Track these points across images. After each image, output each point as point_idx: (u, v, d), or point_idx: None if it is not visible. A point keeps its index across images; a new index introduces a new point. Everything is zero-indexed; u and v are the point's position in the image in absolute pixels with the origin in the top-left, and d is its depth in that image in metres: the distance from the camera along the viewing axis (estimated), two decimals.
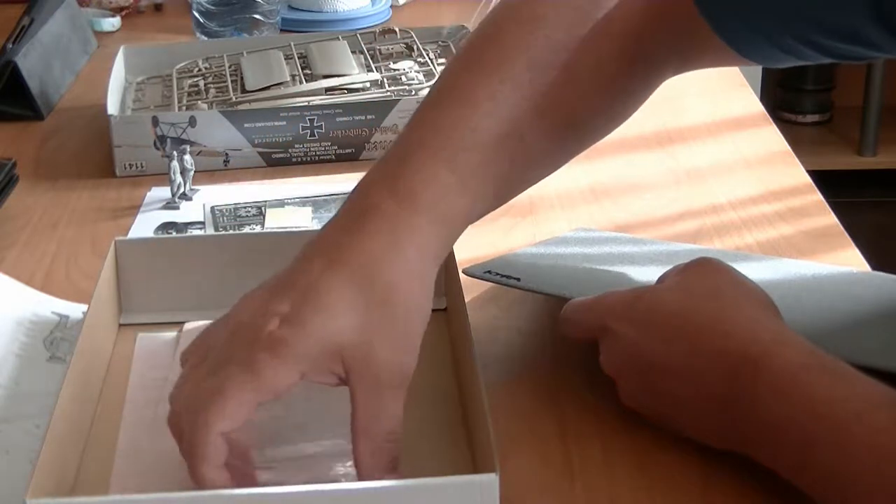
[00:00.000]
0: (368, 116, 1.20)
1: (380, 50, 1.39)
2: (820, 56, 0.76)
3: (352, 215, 0.73)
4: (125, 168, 1.18)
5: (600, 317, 0.76)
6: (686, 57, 0.82)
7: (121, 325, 0.90)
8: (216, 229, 1.07)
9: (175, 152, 1.13)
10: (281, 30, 1.59)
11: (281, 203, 1.11)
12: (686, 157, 1.20)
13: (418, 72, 1.32)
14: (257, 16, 1.55)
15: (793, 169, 1.17)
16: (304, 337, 0.67)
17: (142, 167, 1.18)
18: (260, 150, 1.20)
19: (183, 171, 1.12)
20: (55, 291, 0.95)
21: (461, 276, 0.85)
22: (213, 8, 1.55)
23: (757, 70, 2.59)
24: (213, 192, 1.14)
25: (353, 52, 1.35)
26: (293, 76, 1.30)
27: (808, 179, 1.14)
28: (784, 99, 3.15)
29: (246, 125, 1.19)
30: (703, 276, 0.75)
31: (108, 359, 0.85)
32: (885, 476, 0.62)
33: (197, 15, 1.56)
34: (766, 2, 0.75)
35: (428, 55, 1.36)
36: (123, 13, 1.70)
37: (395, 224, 0.71)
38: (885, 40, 0.71)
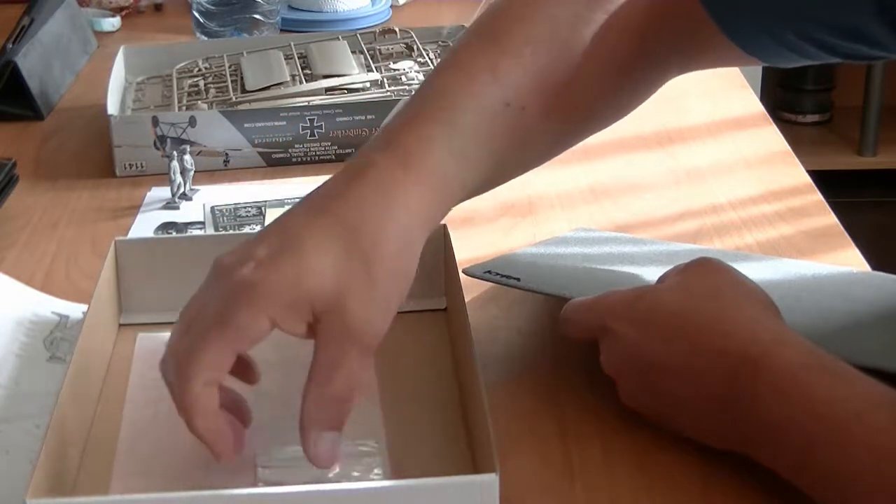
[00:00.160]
0: (368, 116, 1.20)
1: (380, 50, 1.39)
2: (824, 55, 0.76)
3: (347, 171, 0.72)
4: (125, 168, 1.18)
5: (600, 317, 0.76)
6: (690, 55, 0.82)
7: (121, 325, 0.90)
8: (216, 229, 1.07)
9: (175, 152, 1.13)
10: (281, 30, 1.59)
11: (281, 203, 1.11)
12: (686, 157, 1.20)
13: (418, 72, 1.32)
14: (257, 16, 1.55)
15: (793, 169, 1.17)
16: (275, 280, 0.66)
17: (142, 167, 1.18)
18: (260, 150, 1.20)
19: (183, 171, 1.12)
20: (55, 291, 0.95)
21: (461, 276, 0.85)
22: (213, 8, 1.55)
23: (757, 70, 2.59)
24: (213, 192, 1.14)
25: (353, 52, 1.35)
26: (293, 76, 1.30)
27: (808, 179, 1.14)
28: (784, 99, 3.15)
29: (246, 125, 1.19)
30: (703, 276, 0.75)
31: (108, 359, 0.85)
32: (885, 476, 0.62)
33: (197, 15, 1.56)
34: (773, 4, 0.75)
35: (428, 55, 1.36)
36: (123, 13, 1.70)
37: (388, 181, 0.70)
38: (887, 37, 0.71)
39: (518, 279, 0.85)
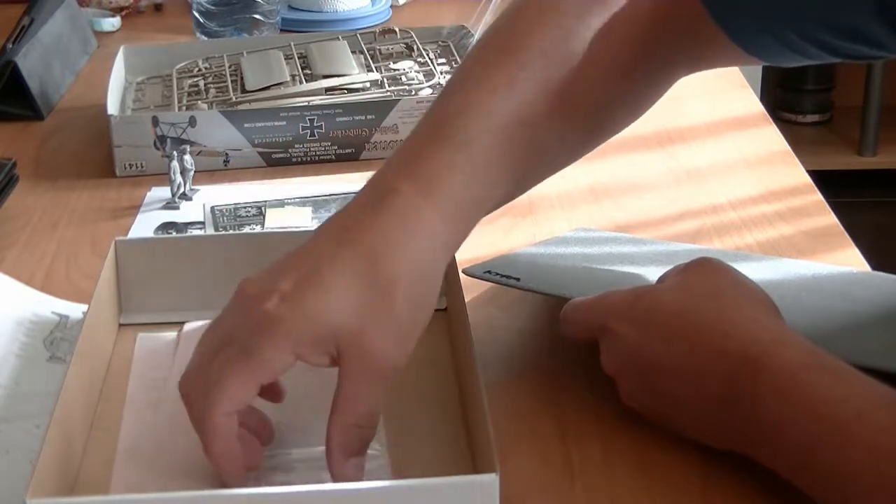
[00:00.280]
0: (368, 116, 1.20)
1: (380, 50, 1.39)
2: (826, 55, 0.76)
3: (368, 197, 0.73)
4: (125, 168, 1.18)
5: (600, 317, 0.76)
6: (696, 56, 0.82)
7: (121, 325, 0.90)
8: (216, 229, 1.07)
9: (175, 152, 1.13)
10: (281, 30, 1.59)
11: (281, 203, 1.11)
12: (686, 157, 1.20)
13: (418, 72, 1.32)
14: (257, 16, 1.55)
15: (793, 169, 1.17)
16: (300, 316, 0.67)
17: (142, 167, 1.18)
18: (260, 150, 1.20)
19: (183, 171, 1.12)
20: (55, 291, 0.95)
21: (461, 275, 0.85)
22: (213, 8, 1.55)
23: (757, 70, 2.59)
24: (213, 192, 1.14)
25: (353, 52, 1.35)
26: (293, 76, 1.30)
27: (808, 179, 1.14)
28: (784, 99, 3.15)
29: (246, 125, 1.19)
30: (703, 276, 0.75)
31: (108, 359, 0.85)
32: (885, 476, 0.62)
33: (197, 15, 1.56)
34: (773, 4, 0.75)
35: (428, 55, 1.36)
36: (123, 13, 1.70)
37: (409, 210, 0.71)
38: (887, 37, 0.71)
39: (518, 279, 0.85)
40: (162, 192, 1.13)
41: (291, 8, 1.68)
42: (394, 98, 1.22)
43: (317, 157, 1.21)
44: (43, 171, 1.21)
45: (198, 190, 1.14)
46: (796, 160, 1.18)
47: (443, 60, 1.38)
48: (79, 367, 0.76)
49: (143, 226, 1.08)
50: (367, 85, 1.28)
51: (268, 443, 0.73)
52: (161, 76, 1.38)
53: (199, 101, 1.26)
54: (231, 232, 1.06)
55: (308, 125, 1.20)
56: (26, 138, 1.30)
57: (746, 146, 1.23)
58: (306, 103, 1.22)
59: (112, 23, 1.66)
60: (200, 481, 0.71)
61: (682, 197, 1.12)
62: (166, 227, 1.08)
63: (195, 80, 1.33)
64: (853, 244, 1.00)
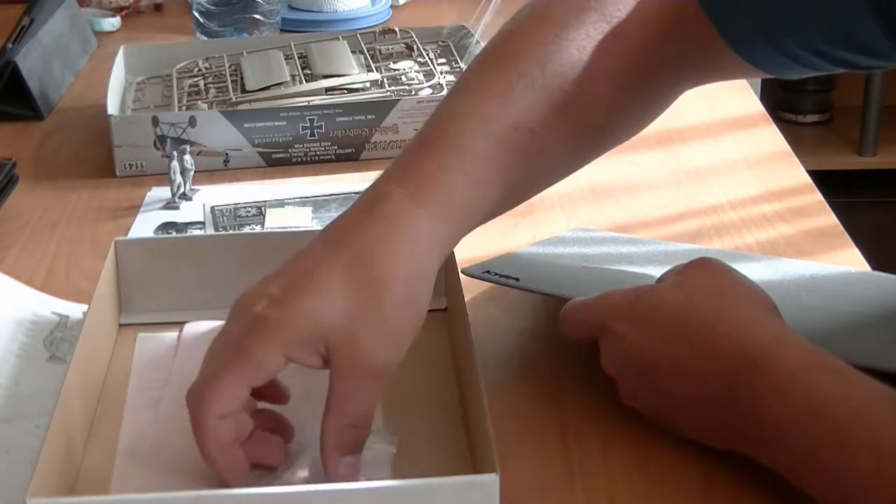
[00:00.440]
0: (368, 116, 1.20)
1: (380, 50, 1.39)
2: (828, 65, 0.77)
3: (361, 204, 0.73)
4: (125, 168, 1.18)
5: (600, 316, 0.76)
6: (701, 68, 0.82)
7: (121, 325, 0.90)
8: (216, 229, 1.07)
9: (175, 152, 1.13)
10: (281, 30, 1.59)
11: (281, 203, 1.11)
12: (686, 157, 1.20)
13: (418, 72, 1.32)
14: (257, 16, 1.55)
15: (793, 169, 1.17)
16: (289, 317, 0.68)
17: (142, 167, 1.18)
18: (260, 150, 1.20)
19: (183, 171, 1.12)
20: (55, 291, 0.95)
21: (461, 275, 0.85)
22: (213, 8, 1.55)
23: None
24: (213, 192, 1.14)
25: (353, 52, 1.35)
26: (293, 76, 1.30)
27: (808, 179, 1.14)
28: (784, 99, 3.15)
29: (246, 125, 1.19)
30: (703, 276, 0.75)
31: (108, 359, 0.85)
32: (885, 476, 0.62)
33: (197, 15, 1.56)
34: (773, 12, 0.75)
35: (428, 55, 1.36)
36: (123, 13, 1.70)
37: (399, 212, 0.71)
38: (886, 46, 0.71)
39: (517, 279, 0.85)
40: (162, 192, 1.13)
41: (291, 8, 1.68)
42: (394, 98, 1.22)
43: (317, 157, 1.21)
44: (43, 171, 1.21)
45: (198, 190, 1.14)
46: (796, 160, 1.18)
47: (443, 60, 1.38)
48: (79, 367, 0.76)
49: (143, 226, 1.08)
50: (367, 85, 1.28)
51: (290, 440, 0.74)
52: (161, 76, 1.38)
53: (199, 101, 1.26)
54: (231, 232, 1.06)
55: (308, 125, 1.20)
56: (26, 138, 1.30)
57: (746, 146, 1.23)
58: (306, 103, 1.22)
59: (112, 23, 1.66)
60: (200, 481, 0.71)
61: (682, 197, 1.12)
62: (166, 227, 1.08)
63: (195, 80, 1.33)
64: (853, 244, 1.00)
